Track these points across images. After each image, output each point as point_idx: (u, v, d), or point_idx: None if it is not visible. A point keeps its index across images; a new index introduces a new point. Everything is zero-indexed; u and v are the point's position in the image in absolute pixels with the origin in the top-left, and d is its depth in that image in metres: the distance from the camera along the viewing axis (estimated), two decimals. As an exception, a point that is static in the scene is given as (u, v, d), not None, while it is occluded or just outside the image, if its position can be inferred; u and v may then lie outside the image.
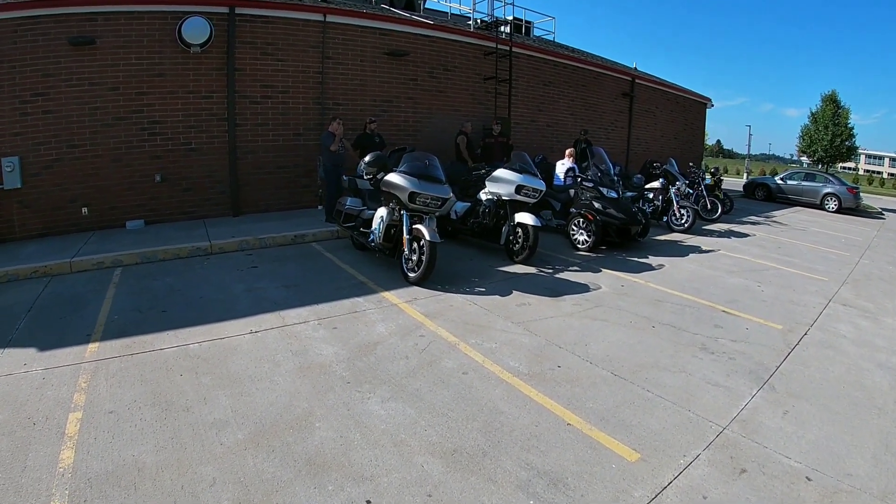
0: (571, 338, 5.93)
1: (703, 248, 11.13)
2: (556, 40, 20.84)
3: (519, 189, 8.97)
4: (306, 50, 12.21)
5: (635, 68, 22.95)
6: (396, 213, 7.67)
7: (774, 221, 16.30)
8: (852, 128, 32.84)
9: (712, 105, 26.59)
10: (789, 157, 55.48)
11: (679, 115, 24.22)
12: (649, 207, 13.11)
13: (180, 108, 10.88)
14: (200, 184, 11.30)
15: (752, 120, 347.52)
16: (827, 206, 20.56)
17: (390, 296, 6.98)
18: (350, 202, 9.18)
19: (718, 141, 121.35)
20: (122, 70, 10.29)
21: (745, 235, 13.10)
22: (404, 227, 7.45)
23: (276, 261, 8.58)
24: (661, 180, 13.13)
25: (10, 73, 9.53)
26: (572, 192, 10.93)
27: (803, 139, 34.82)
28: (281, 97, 12.03)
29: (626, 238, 10.51)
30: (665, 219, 12.94)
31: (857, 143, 34.12)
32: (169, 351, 5.23)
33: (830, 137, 32.42)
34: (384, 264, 8.32)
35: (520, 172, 9.14)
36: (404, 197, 7.35)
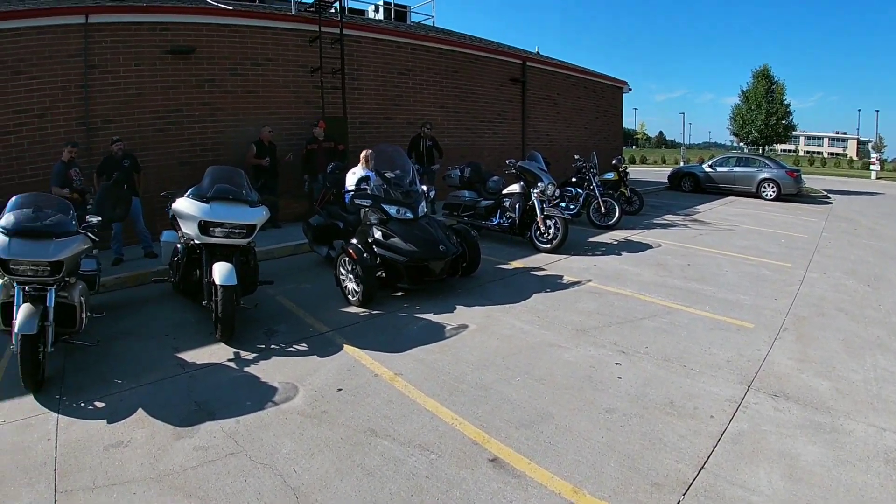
0: None
1: (566, 278, 7.00)
2: (435, 25, 16.95)
3: (205, 227, 5.29)
4: (66, 61, 9.28)
5: (537, 52, 18.99)
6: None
7: (696, 220, 11.94)
8: (788, 104, 28.67)
9: (629, 89, 22.07)
10: (730, 143, 51.26)
11: (589, 102, 19.76)
12: (506, 220, 9.08)
13: None
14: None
15: (694, 110, 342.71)
16: (764, 194, 16.42)
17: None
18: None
19: (661, 132, 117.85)
20: None
21: (645, 247, 8.87)
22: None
23: None
24: (520, 182, 9.05)
25: None
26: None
27: (735, 121, 30.30)
28: (37, 122, 9.12)
29: (424, 281, 6.45)
30: (529, 234, 8.82)
31: (796, 122, 29.69)
32: None
33: (765, 116, 28.09)
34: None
35: (207, 201, 5.38)
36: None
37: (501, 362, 4.43)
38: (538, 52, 19.27)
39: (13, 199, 4.95)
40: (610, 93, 21.17)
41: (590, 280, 6.85)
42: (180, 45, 10.10)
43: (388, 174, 6.85)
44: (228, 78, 10.66)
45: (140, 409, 4.04)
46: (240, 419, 3.77)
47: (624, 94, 22.22)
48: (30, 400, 4.30)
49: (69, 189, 7.59)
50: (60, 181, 7.69)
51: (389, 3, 16.79)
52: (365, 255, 6.01)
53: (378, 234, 6.30)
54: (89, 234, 5.11)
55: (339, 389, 4.08)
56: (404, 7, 17.21)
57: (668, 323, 5.27)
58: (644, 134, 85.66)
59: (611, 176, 12.14)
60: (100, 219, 5.29)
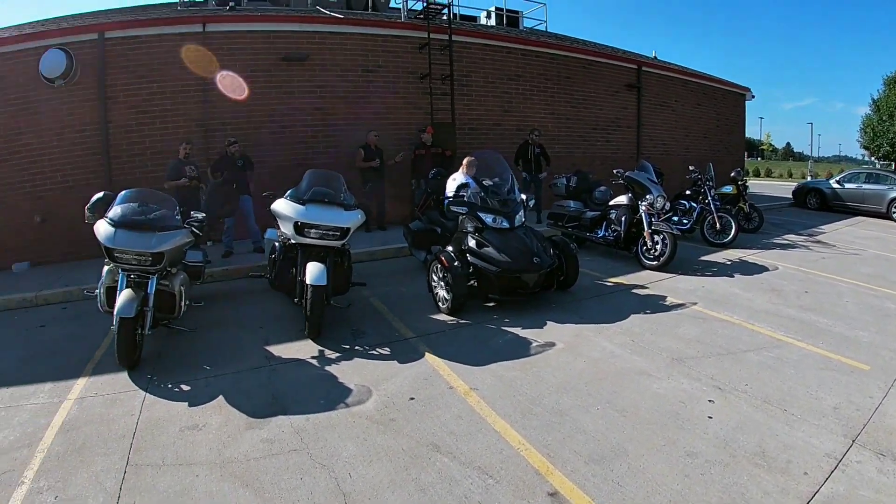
0: None
1: (669, 300, 6.48)
2: (548, 30, 16.53)
3: (300, 228, 5.43)
4: (186, 67, 9.98)
5: (655, 57, 18.03)
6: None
7: (819, 241, 10.64)
8: (924, 116, 25.21)
9: (752, 96, 20.27)
10: (861, 157, 45.72)
11: (709, 110, 18.36)
12: (612, 233, 8.60)
13: (56, 144, 9.53)
14: (82, 223, 9.42)
15: (823, 120, 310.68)
16: (895, 215, 14.42)
17: (84, 384, 4.55)
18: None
19: (788, 144, 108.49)
20: (1, 111, 9.29)
21: (761, 270, 8.02)
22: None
23: (72, 318, 6.50)
24: (628, 194, 8.53)
25: None
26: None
27: (865, 132, 27.20)
28: (159, 123, 9.95)
29: (516, 293, 6.16)
30: (635, 249, 8.26)
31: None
32: None
33: (898, 128, 24.99)
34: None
35: (303, 203, 5.54)
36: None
37: (583, 387, 4.15)
38: (655, 57, 18.28)
39: (122, 192, 5.33)
40: (731, 100, 19.61)
41: (695, 303, 6.31)
42: (294, 53, 10.52)
43: (486, 182, 6.72)
44: (340, 84, 10.99)
45: (221, 396, 4.22)
46: (309, 417, 3.82)
47: (747, 102, 20.48)
48: (124, 377, 4.65)
49: (186, 178, 8.13)
50: (174, 176, 8.25)
51: (501, 10, 16.63)
52: (456, 263, 5.90)
53: (472, 243, 6.17)
54: (193, 229, 5.41)
55: (412, 398, 4.02)
56: (517, 13, 16.96)
57: (775, 358, 4.69)
58: (770, 145, 78.71)
59: (729, 189, 11.21)
60: (204, 215, 5.58)
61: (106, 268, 5.18)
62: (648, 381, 4.24)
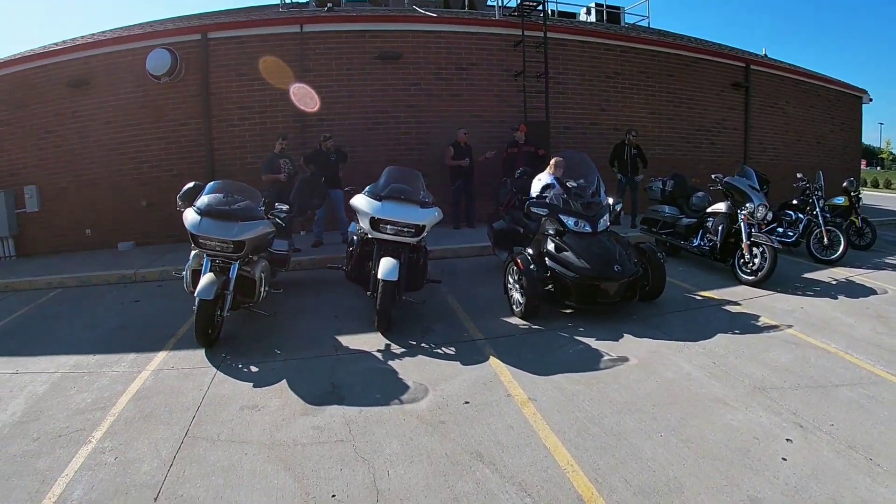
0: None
1: (762, 320, 5.89)
2: (650, 26, 15.71)
3: (376, 224, 5.55)
4: (283, 66, 10.62)
5: (764, 55, 16.62)
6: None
7: None
8: None
9: (870, 100, 18.08)
10: None
11: (822, 113, 16.47)
12: (707, 243, 8.00)
13: (162, 136, 10.58)
14: (183, 208, 10.64)
15: None
16: None
17: (163, 357, 5.03)
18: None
19: None
20: (112, 105, 10.48)
21: (868, 293, 7.08)
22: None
23: (165, 296, 7.27)
24: (727, 201, 7.91)
25: (29, 114, 10.65)
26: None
27: None
28: (258, 118, 10.69)
29: (595, 301, 5.79)
30: (732, 261, 7.58)
31: None
32: None
33: None
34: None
35: (380, 199, 5.61)
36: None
37: (650, 410, 3.84)
38: (765, 55, 16.83)
39: (210, 183, 5.64)
40: (846, 102, 17.64)
41: (790, 326, 5.70)
42: (388, 51, 10.72)
43: (570, 183, 6.44)
44: (433, 81, 11.08)
45: (284, 380, 4.40)
46: (362, 409, 3.87)
47: (864, 106, 18.35)
48: (200, 354, 4.99)
49: (284, 174, 8.47)
50: (270, 169, 8.63)
51: (601, 6, 16.08)
52: (532, 266, 5.70)
53: (551, 246, 5.92)
54: (278, 220, 5.64)
55: (466, 402, 3.92)
56: (618, 9, 16.32)
57: (869, 396, 4.10)
58: (890, 153, 69.63)
59: (840, 201, 10.05)
60: (287, 207, 5.80)
61: (193, 252, 5.50)
62: (723, 410, 3.87)
